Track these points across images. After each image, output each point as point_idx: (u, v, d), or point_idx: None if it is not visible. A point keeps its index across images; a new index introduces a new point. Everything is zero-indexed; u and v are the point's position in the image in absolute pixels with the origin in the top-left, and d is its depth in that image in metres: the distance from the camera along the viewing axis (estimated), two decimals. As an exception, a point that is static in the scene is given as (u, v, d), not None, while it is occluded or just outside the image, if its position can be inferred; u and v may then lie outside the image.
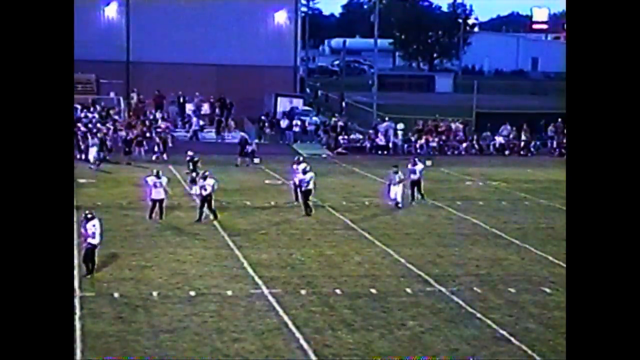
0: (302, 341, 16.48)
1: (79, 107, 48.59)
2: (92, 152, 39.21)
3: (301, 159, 32.73)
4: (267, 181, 36.66)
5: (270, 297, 19.25)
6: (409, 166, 31.90)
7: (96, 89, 52.92)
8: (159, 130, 45.05)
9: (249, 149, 43.82)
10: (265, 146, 47.12)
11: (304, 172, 29.33)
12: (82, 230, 20.76)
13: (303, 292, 19.76)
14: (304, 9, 63.52)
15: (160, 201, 26.76)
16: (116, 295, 19.01)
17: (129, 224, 26.42)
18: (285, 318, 17.81)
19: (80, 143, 41.35)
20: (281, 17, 60.42)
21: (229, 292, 19.53)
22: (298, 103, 56.95)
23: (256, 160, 42.07)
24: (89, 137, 41.64)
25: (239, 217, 28.13)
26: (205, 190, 26.69)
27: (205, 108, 53.96)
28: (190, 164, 33.93)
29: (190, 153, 35.12)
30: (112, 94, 52.46)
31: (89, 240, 20.49)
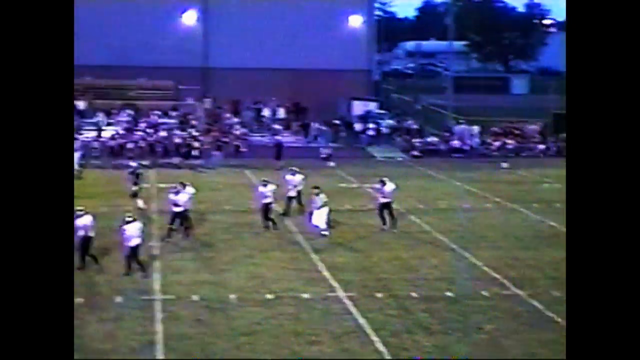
0: (378, 344, 16.55)
1: (158, 113, 49.59)
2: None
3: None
4: (341, 184, 36.76)
5: (346, 300, 19.36)
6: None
7: (175, 95, 53.81)
8: (235, 135, 45.54)
9: (324, 153, 44.06)
10: (340, 150, 47.25)
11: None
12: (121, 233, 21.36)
13: (379, 295, 19.81)
14: (378, 12, 63.42)
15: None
16: (195, 298, 19.34)
17: (207, 228, 26.81)
18: (362, 321, 17.89)
19: (159, 148, 42.17)
20: (356, 21, 60.52)
21: (306, 295, 19.69)
22: (373, 106, 56.94)
23: (331, 164, 42.23)
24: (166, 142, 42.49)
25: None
26: (179, 205, 25.22)
27: (281, 113, 54.35)
28: (133, 176, 30.47)
29: (133, 164, 32.87)
30: (190, 100, 53.27)
31: (128, 242, 21.06)
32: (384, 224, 26.86)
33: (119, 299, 19.07)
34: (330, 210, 25.56)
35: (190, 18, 59.57)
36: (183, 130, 46.62)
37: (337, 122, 52.87)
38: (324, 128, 50.92)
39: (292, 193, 28.85)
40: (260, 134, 51.16)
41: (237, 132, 46.12)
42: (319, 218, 25.10)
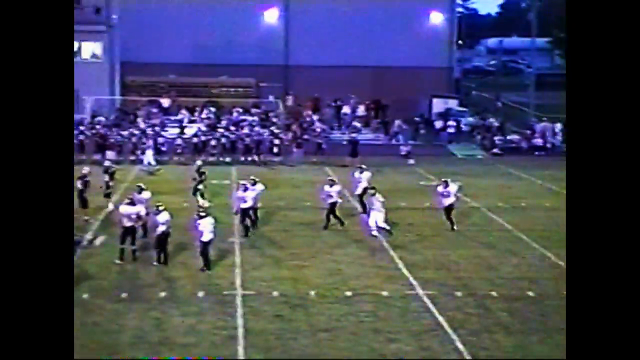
0: (458, 343, 16.50)
1: (240, 110, 50.14)
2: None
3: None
4: (421, 182, 36.64)
5: (425, 298, 19.34)
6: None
7: (256, 92, 54.34)
8: (315, 132, 45.77)
9: (403, 150, 43.97)
10: (420, 147, 47.07)
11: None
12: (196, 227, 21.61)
13: (459, 293, 19.74)
14: (459, 9, 62.87)
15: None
16: (275, 294, 19.56)
17: (288, 225, 27.05)
18: (441, 319, 17.87)
19: (240, 146, 42.66)
20: (437, 18, 60.16)
21: (385, 293, 19.74)
22: (453, 104, 56.55)
23: (411, 162, 42.14)
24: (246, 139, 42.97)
25: (394, 218, 28.27)
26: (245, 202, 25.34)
27: (361, 110, 54.36)
28: (107, 175, 29.69)
29: (106, 163, 32.30)
30: (271, 97, 53.71)
31: (201, 237, 21.34)
32: (453, 226, 26.50)
33: (200, 294, 19.40)
34: (386, 211, 25.34)
35: (271, 16, 60.07)
36: (264, 127, 47.05)
37: (417, 119, 52.66)
38: (404, 126, 50.77)
39: (359, 191, 28.78)
40: (340, 132, 51.27)
41: (317, 130, 46.27)
42: (373, 219, 24.98)
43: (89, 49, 52.98)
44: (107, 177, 29.46)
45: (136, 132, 43.65)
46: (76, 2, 52.32)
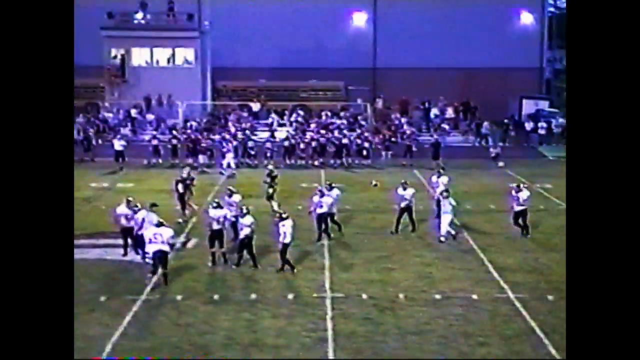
0: (550, 348, 16.30)
1: (328, 113, 50.47)
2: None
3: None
4: (511, 184, 36.14)
5: (516, 302, 19.15)
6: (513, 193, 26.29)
7: (345, 95, 54.59)
8: (403, 135, 45.71)
9: (493, 152, 43.52)
10: (510, 149, 46.52)
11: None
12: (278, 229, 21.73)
13: (550, 297, 19.48)
14: (550, 9, 61.92)
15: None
16: (365, 296, 19.63)
17: (377, 227, 27.08)
18: (532, 323, 17.67)
19: (329, 149, 42.91)
20: (527, 18, 59.45)
21: (474, 296, 19.61)
22: (544, 105, 55.70)
23: (500, 164, 41.68)
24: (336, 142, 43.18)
25: (484, 220, 28.07)
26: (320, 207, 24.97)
27: (450, 112, 54.06)
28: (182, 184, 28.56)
29: (184, 172, 29.75)
30: (359, 101, 53.89)
31: (283, 239, 21.46)
32: (524, 232, 25.73)
33: (290, 296, 19.61)
34: (453, 217, 25.06)
35: (360, 19, 60.28)
36: (352, 130, 47.22)
37: (506, 121, 52.06)
38: (493, 127, 50.28)
39: (437, 194, 28.33)
40: (429, 134, 51.09)
41: (406, 132, 46.20)
42: (445, 223, 24.77)
43: (181, 55, 54.09)
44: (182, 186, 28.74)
45: (227, 136, 44.34)
46: (169, 9, 53.57)
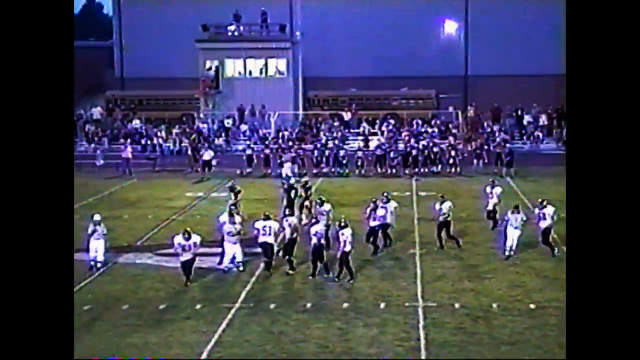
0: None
1: (420, 121, 50.36)
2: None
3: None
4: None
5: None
6: (537, 210, 25.08)
7: (436, 103, 54.38)
8: (496, 143, 45.25)
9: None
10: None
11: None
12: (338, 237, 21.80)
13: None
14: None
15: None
16: (457, 305, 19.53)
17: (469, 236, 26.91)
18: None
19: (421, 157, 42.84)
20: (623, 22, 58.08)
21: (570, 307, 19.28)
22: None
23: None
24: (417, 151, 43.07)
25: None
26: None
27: (543, 119, 53.25)
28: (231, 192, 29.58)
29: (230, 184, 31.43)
30: (450, 108, 53.61)
31: (343, 247, 21.49)
32: (552, 252, 24.23)
33: (382, 305, 19.65)
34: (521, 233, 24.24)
35: (451, 27, 59.97)
36: (443, 138, 47.00)
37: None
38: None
39: (490, 207, 27.85)
40: (522, 142, 50.47)
41: (498, 140, 45.73)
42: (510, 238, 24.04)
43: (274, 65, 54.79)
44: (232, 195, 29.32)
45: (318, 145, 44.71)
46: (262, 21, 54.35)
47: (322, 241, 21.93)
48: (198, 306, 19.68)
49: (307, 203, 28.65)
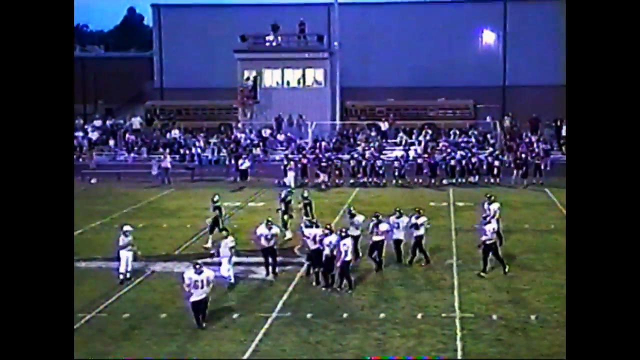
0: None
1: (457, 132, 50.22)
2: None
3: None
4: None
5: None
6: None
7: (474, 114, 54.18)
8: (534, 153, 44.97)
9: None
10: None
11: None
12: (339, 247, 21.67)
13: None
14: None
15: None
16: (495, 317, 19.44)
17: (507, 247, 26.63)
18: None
19: (458, 167, 42.74)
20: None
21: (609, 319, 19.12)
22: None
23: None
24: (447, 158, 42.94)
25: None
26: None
27: (582, 129, 52.70)
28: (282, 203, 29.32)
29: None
30: (488, 119, 53.39)
31: (344, 257, 21.51)
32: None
33: (419, 316, 19.62)
34: None
35: (489, 37, 59.77)
36: (481, 149, 46.81)
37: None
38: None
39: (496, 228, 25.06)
40: (561, 152, 50.06)
41: (537, 151, 45.44)
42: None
43: (311, 75, 54.97)
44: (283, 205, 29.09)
45: (355, 155, 44.76)
46: (300, 31, 54.61)
47: (335, 252, 21.85)
48: (235, 315, 19.80)
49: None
